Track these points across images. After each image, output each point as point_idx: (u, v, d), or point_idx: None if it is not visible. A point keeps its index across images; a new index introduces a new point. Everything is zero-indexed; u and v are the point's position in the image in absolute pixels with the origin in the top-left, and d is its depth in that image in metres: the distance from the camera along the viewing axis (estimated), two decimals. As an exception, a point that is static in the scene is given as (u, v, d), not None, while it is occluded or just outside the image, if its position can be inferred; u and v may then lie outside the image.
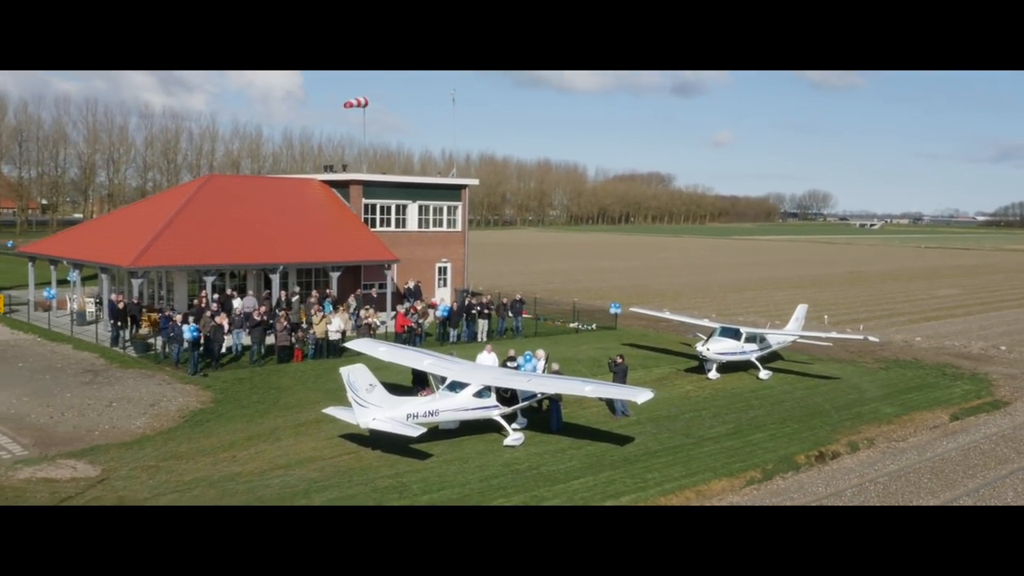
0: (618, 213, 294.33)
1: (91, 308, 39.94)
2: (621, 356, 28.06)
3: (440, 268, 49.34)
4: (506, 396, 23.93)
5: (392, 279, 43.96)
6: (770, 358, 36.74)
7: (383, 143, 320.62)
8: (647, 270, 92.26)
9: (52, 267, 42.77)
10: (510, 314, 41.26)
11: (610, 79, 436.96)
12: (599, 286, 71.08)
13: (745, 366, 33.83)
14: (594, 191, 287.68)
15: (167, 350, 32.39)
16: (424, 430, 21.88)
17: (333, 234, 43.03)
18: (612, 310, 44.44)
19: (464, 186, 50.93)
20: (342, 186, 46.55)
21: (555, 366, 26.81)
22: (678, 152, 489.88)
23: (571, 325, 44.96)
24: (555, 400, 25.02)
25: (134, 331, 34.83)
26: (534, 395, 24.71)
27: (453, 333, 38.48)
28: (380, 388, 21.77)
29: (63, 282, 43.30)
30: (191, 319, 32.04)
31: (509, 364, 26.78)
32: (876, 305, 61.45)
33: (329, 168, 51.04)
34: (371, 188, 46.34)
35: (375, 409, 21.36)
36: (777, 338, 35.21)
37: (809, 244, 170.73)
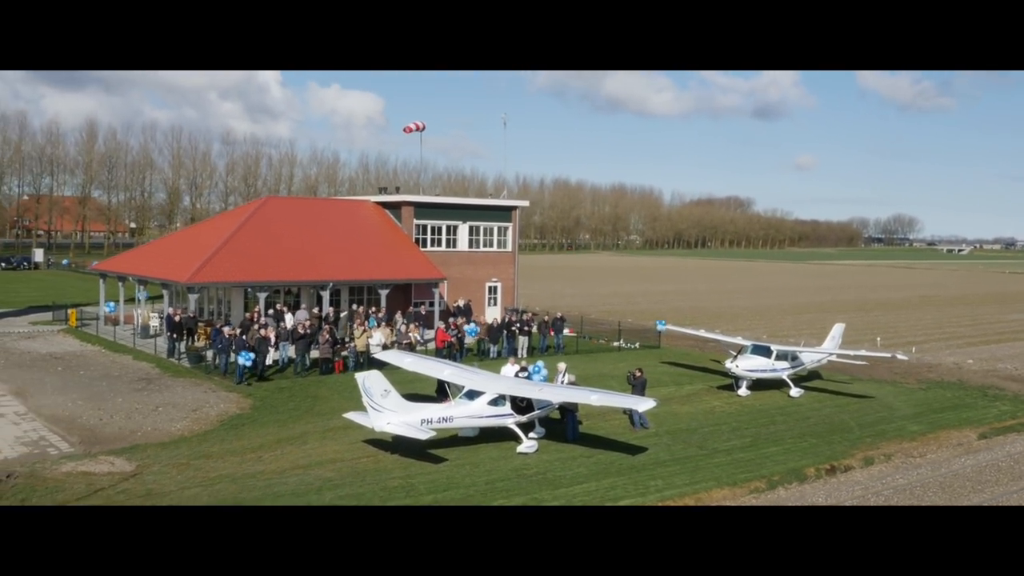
0: (694, 238, 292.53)
1: (154, 322, 42.15)
2: (640, 370, 28.66)
3: (490, 287, 50.52)
4: (521, 405, 24.81)
5: (441, 297, 45.30)
6: (809, 377, 36.90)
7: (458, 168, 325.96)
8: (710, 293, 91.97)
9: (120, 283, 45.27)
10: (551, 331, 42.09)
11: (689, 103, 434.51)
12: (657, 308, 71.29)
13: (777, 384, 34.04)
14: (669, 215, 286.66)
15: (217, 361, 34.17)
16: (434, 434, 22.91)
17: (383, 253, 44.60)
18: (659, 327, 44.85)
19: (514, 208, 52.15)
20: (394, 207, 48.23)
21: (571, 377, 27.60)
22: (758, 176, 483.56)
23: (614, 344, 45.57)
24: (571, 411, 25.78)
25: (189, 343, 36.78)
26: (551, 405, 25.53)
27: (493, 349, 39.50)
28: (395, 394, 22.91)
29: (132, 299, 45.81)
30: (244, 339, 33.65)
31: (520, 375, 27.64)
32: (937, 328, 60.40)
33: (383, 190, 52.82)
34: (422, 209, 47.87)
35: (389, 413, 22.49)
36: (810, 356, 35.28)
37: (887, 269, 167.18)
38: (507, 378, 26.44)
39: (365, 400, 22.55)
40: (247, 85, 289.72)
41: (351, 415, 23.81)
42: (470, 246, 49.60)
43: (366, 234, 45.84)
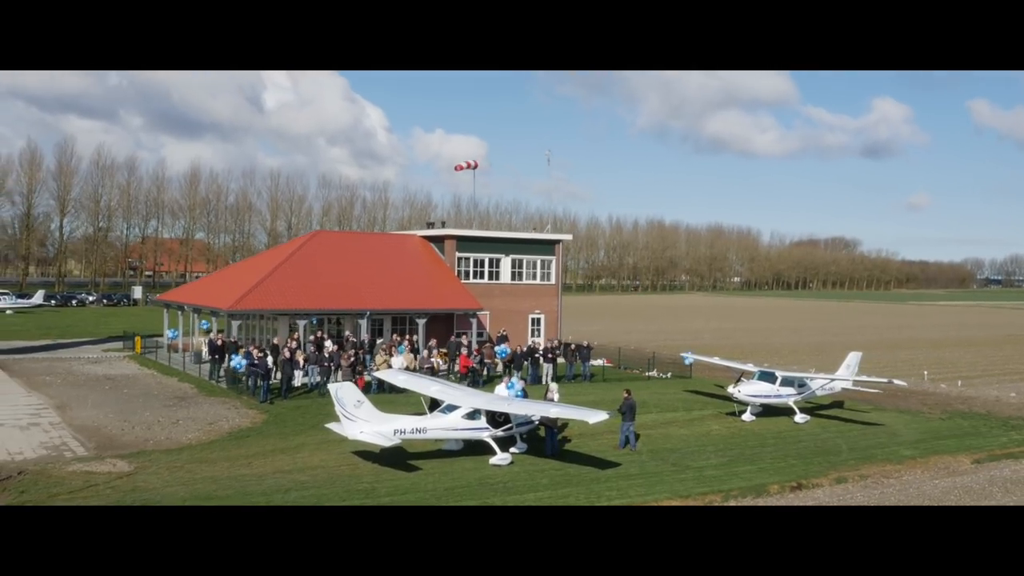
0: (794, 279, 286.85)
1: (206, 348, 44.97)
2: (628, 391, 29.43)
3: (533, 319, 51.79)
4: (499, 420, 26.03)
5: (479, 327, 46.86)
6: (830, 405, 36.95)
7: (549, 209, 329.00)
8: (780, 330, 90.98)
9: (179, 312, 48.49)
10: (577, 359, 43.08)
11: (794, 142, 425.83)
12: (718, 343, 71.24)
13: (785, 410, 34.22)
14: (768, 256, 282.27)
15: (249, 382, 36.48)
16: (399, 442, 24.36)
17: (423, 285, 46.50)
18: (685, 359, 45.23)
19: (558, 241, 53.49)
20: (439, 241, 50.22)
21: (557, 398, 28.67)
22: (866, 216, 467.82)
23: (647, 374, 46.20)
24: (550, 427, 26.84)
25: (228, 365, 39.29)
26: (530, 421, 26.67)
27: (517, 375, 40.72)
28: (368, 404, 24.49)
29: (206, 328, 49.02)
30: (267, 361, 35.88)
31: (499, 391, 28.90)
32: (1003, 364, 58.59)
33: (430, 225, 54.99)
34: (464, 243, 49.70)
35: (362, 423, 24.05)
36: (820, 383, 35.25)
37: (988, 310, 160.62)
38: (483, 393, 27.73)
39: (338, 409, 24.20)
40: (354, 131, 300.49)
41: (331, 425, 25.47)
42: (513, 279, 51.07)
43: (408, 266, 47.88)
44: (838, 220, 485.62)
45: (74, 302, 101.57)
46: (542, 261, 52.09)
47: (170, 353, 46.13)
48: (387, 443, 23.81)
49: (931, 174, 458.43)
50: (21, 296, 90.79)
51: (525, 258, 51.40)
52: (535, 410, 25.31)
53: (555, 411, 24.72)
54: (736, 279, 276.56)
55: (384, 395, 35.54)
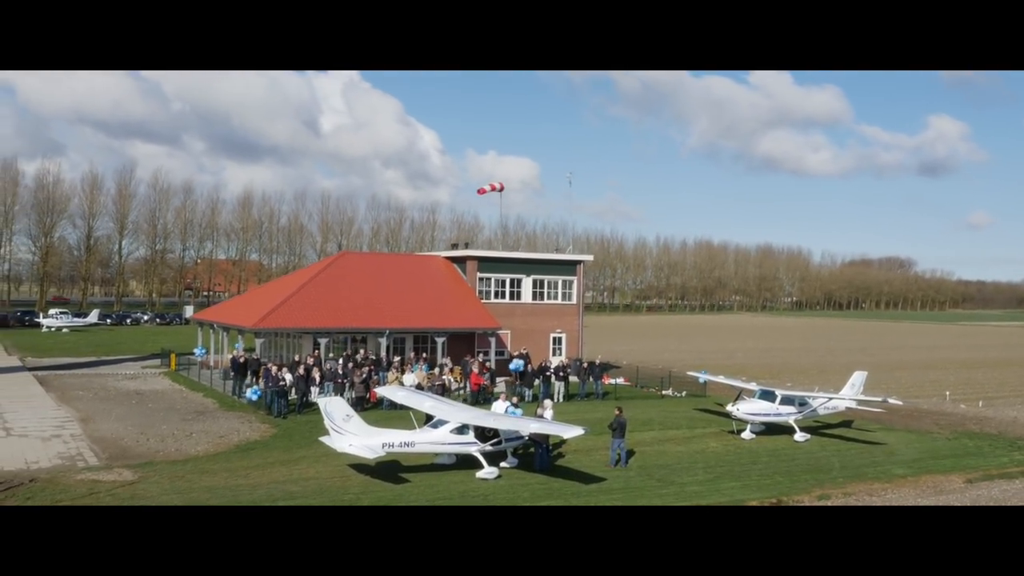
0: (846, 299, 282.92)
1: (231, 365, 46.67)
2: (619, 408, 30.07)
3: (555, 339, 52.64)
4: (488, 435, 26.93)
5: (499, 346, 47.85)
6: (838, 424, 37.16)
7: (597, 229, 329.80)
8: (815, 350, 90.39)
9: (211, 330, 50.35)
10: (590, 378, 43.79)
11: (849, 161, 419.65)
12: (747, 363, 71.29)
13: (787, 429, 34.52)
14: (819, 276, 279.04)
15: (269, 397, 37.91)
16: (383, 453, 25.39)
17: (444, 304, 47.72)
18: (701, 379, 45.63)
19: (579, 262, 54.36)
20: (461, 262, 51.43)
21: (550, 414, 29.49)
22: (922, 236, 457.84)
23: (662, 392, 46.71)
24: (539, 442, 27.66)
25: (251, 382, 40.79)
26: (520, 437, 27.53)
27: (528, 393, 41.59)
28: (357, 418, 25.61)
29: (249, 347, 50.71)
30: (286, 373, 37.32)
31: (511, 410, 29.73)
32: (1032, 386, 57.73)
33: (455, 246, 56.26)
34: (486, 263, 50.88)
35: (351, 436, 25.16)
36: (821, 402, 35.45)
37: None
38: (472, 409, 28.68)
39: (327, 423, 25.36)
40: (408, 153, 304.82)
41: (324, 438, 26.61)
42: (534, 298, 52.08)
43: (430, 287, 49.15)
44: (893, 239, 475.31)
45: (128, 321, 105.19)
46: (563, 281, 53.00)
47: (201, 370, 47.90)
48: (374, 456, 24.84)
49: (990, 192, 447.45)
50: (78, 315, 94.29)
51: (547, 278, 52.37)
52: (517, 426, 26.16)
53: (535, 426, 25.57)
54: (787, 300, 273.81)
55: (395, 411, 36.65)
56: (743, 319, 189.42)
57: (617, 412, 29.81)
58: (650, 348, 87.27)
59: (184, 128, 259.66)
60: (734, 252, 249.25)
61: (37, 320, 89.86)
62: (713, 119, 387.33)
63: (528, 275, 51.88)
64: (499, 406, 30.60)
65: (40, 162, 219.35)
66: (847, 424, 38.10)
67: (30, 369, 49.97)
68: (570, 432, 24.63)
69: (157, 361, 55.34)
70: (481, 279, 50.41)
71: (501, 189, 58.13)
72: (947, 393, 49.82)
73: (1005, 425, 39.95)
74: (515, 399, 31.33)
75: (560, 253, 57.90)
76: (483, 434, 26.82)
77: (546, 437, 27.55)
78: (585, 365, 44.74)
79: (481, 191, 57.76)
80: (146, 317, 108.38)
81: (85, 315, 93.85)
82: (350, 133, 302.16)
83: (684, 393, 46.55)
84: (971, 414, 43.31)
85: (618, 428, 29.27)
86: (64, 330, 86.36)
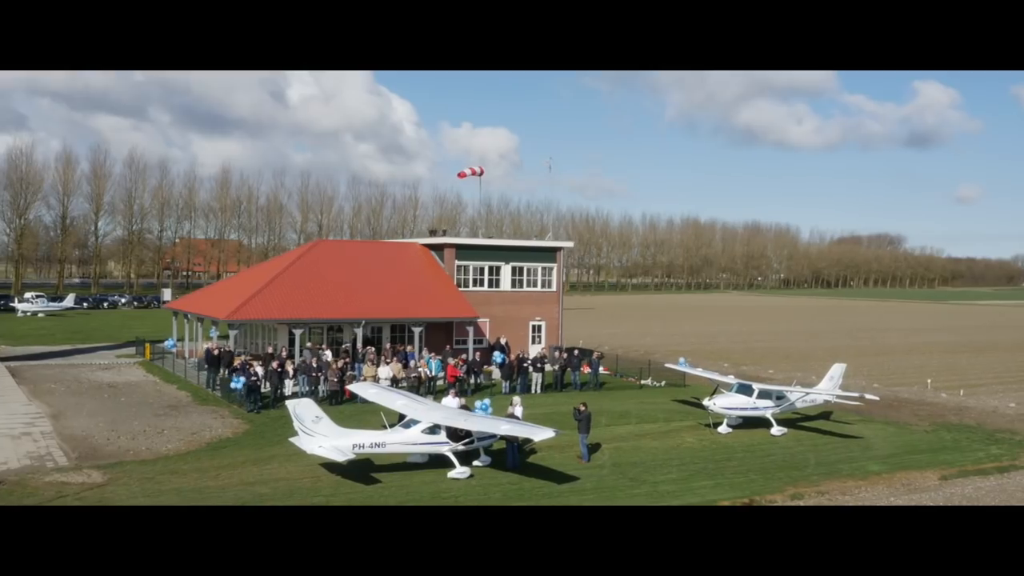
0: (834, 277, 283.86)
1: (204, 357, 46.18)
2: (584, 404, 29.83)
3: (534, 326, 52.33)
4: (460, 434, 26.64)
5: (476, 335, 47.51)
6: (816, 417, 37.05)
7: (582, 207, 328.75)
8: (799, 333, 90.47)
9: (185, 320, 49.76)
10: (568, 368, 43.55)
11: (834, 132, 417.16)
12: (729, 347, 71.34)
13: (765, 423, 34.37)
14: (807, 254, 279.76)
15: (244, 391, 37.49)
16: (353, 456, 25.08)
17: (421, 293, 47.26)
18: (680, 367, 45.36)
19: (559, 248, 54.00)
20: (438, 249, 50.97)
21: (520, 411, 29.24)
22: (911, 211, 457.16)
23: (641, 382, 46.53)
24: (511, 442, 27.40)
25: (224, 374, 40.36)
26: (492, 436, 27.24)
27: (506, 385, 41.34)
28: (327, 420, 25.27)
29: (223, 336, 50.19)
30: (258, 366, 36.94)
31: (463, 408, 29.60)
32: (1016, 372, 57.78)
33: (433, 233, 55.77)
34: (464, 251, 50.44)
35: (320, 438, 24.83)
36: (798, 395, 35.29)
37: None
38: (445, 407, 28.39)
39: (296, 425, 25.04)
40: (380, 126, 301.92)
41: (294, 439, 26.27)
42: (513, 286, 51.68)
43: (407, 275, 48.67)
44: (882, 215, 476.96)
45: (105, 304, 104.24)
46: (543, 268, 52.62)
47: (175, 360, 47.40)
48: (343, 458, 24.53)
49: (982, 164, 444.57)
50: (53, 299, 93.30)
51: (526, 265, 51.98)
52: (488, 427, 25.87)
53: (505, 428, 25.28)
54: (774, 278, 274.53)
55: (369, 405, 36.26)
56: (730, 298, 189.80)
57: (583, 407, 29.50)
58: (633, 331, 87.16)
59: (148, 100, 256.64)
60: (721, 230, 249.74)
61: (12, 305, 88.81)
62: (688, 90, 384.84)
63: (507, 262, 51.48)
64: (449, 401, 30.34)
65: (11, 139, 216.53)
66: (826, 416, 38.03)
67: (2, 359, 49.31)
68: (541, 434, 24.39)
69: (132, 350, 54.71)
70: (459, 267, 49.98)
71: (481, 173, 57.63)
72: (928, 381, 49.83)
73: (984, 416, 39.96)
74: (463, 399, 31.08)
75: (540, 240, 57.44)
76: (455, 433, 26.55)
77: (517, 437, 27.29)
78: (564, 355, 44.46)
79: (461, 175, 57.25)
80: (124, 300, 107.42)
81: (61, 299, 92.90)
82: (319, 104, 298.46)
83: (663, 383, 46.38)
84: (951, 404, 43.32)
85: (583, 421, 29.01)
86: (40, 315, 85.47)
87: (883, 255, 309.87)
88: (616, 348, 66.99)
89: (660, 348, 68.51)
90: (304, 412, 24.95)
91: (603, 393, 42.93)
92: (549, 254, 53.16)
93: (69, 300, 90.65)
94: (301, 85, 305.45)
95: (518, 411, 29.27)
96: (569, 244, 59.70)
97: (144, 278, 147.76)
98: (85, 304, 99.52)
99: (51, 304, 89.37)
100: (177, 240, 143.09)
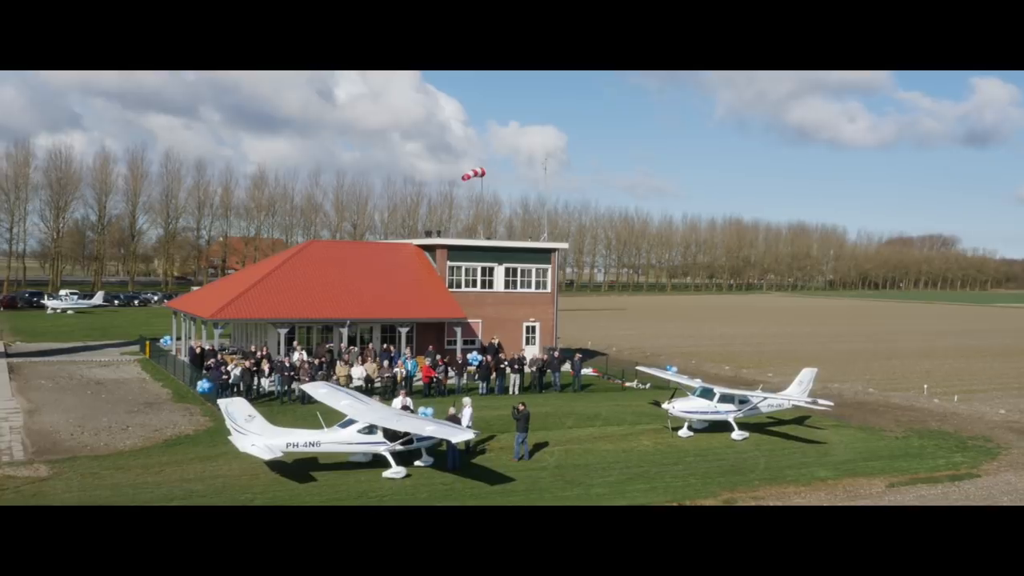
0: (881, 279, 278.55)
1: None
2: (523, 404, 29.93)
3: (528, 327, 52.48)
4: (399, 434, 26.97)
5: (468, 335, 47.88)
6: (790, 421, 36.68)
7: (622, 207, 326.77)
8: (819, 336, 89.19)
9: (181, 319, 50.88)
10: (548, 371, 43.63)
11: (889, 131, 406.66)
12: (741, 350, 70.69)
13: (727, 427, 34.14)
14: (854, 255, 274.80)
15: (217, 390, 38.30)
16: (281, 455, 25.54)
17: (411, 294, 47.76)
18: (668, 373, 45.06)
19: (554, 250, 54.07)
20: (431, 250, 51.40)
21: (469, 412, 29.47)
22: (967, 211, 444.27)
23: (626, 384, 46.43)
24: (451, 442, 27.63)
25: (207, 373, 41.22)
26: (432, 438, 27.49)
27: (483, 386, 41.57)
28: (260, 419, 25.79)
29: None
30: (220, 370, 37.68)
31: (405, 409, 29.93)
32: (1021, 378, 56.45)
33: (428, 234, 56.22)
34: (456, 252, 50.79)
35: (254, 436, 25.35)
36: (760, 399, 34.91)
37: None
38: (384, 408, 28.75)
39: (229, 424, 25.58)
40: (428, 124, 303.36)
41: (230, 438, 26.80)
42: (507, 287, 51.90)
43: (398, 276, 49.18)
44: (936, 215, 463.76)
45: (136, 302, 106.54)
46: (538, 269, 52.75)
47: (176, 358, 48.48)
48: (271, 456, 25.02)
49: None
50: (84, 297, 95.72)
51: (519, 267, 52.16)
52: (413, 427, 26.13)
53: (430, 429, 25.56)
54: (821, 279, 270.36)
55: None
56: (769, 300, 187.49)
57: (521, 407, 29.65)
58: (648, 332, 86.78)
59: (199, 99, 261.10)
60: (764, 230, 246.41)
61: (43, 302, 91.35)
62: (737, 88, 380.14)
63: (500, 263, 51.70)
64: (397, 402, 30.70)
65: (55, 138, 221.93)
66: (800, 421, 37.62)
67: (8, 356, 50.86)
68: (458, 436, 24.64)
69: (137, 348, 56.04)
70: (451, 268, 50.34)
71: (483, 174, 58.13)
72: (925, 386, 48.96)
73: (968, 422, 39.16)
74: (409, 399, 31.40)
75: (533, 241, 57.56)
76: (394, 434, 26.88)
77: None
78: (544, 356, 44.58)
79: (465, 177, 57.76)
80: (156, 298, 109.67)
81: (90, 296, 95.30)
82: (367, 103, 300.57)
83: (648, 385, 46.21)
84: (939, 410, 42.52)
85: (520, 420, 29.14)
86: (69, 312, 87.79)
87: (933, 256, 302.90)
88: (624, 349, 66.92)
89: (669, 349, 68.30)
90: (236, 411, 25.50)
91: (582, 395, 42.98)
92: (543, 255, 53.27)
93: (98, 297, 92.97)
94: (349, 84, 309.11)
95: (467, 413, 29.51)
96: (564, 245, 59.67)
97: (185, 276, 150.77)
98: (116, 302, 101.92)
99: (80, 302, 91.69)
100: (210, 240, 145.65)
